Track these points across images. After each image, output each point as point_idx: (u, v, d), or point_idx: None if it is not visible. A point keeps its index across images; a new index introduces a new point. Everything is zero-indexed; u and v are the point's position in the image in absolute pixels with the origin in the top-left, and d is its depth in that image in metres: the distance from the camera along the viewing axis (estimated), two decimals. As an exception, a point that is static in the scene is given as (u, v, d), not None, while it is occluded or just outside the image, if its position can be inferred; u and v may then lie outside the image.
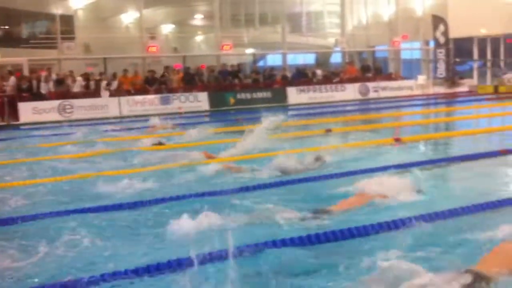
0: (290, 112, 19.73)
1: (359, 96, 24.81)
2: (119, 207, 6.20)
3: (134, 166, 8.88)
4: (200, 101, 22.31)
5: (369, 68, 27.83)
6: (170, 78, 23.72)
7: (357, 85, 25.17)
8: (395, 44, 30.22)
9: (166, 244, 4.87)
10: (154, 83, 22.71)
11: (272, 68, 27.49)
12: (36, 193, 7.13)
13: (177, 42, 35.50)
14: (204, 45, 37.64)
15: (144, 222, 5.63)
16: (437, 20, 28.63)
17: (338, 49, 32.46)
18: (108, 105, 20.93)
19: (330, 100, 23.81)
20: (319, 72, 26.61)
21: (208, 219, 5.16)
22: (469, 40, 30.25)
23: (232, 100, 22.88)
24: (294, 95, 23.95)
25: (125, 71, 23.09)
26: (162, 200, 6.36)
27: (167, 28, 35.95)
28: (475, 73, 30.54)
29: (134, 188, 7.10)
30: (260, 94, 23.38)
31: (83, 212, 5.94)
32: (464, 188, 6.82)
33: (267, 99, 23.18)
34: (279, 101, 23.12)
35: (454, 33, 28.78)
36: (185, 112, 20.46)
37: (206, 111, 21.80)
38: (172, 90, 22.68)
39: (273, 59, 35.28)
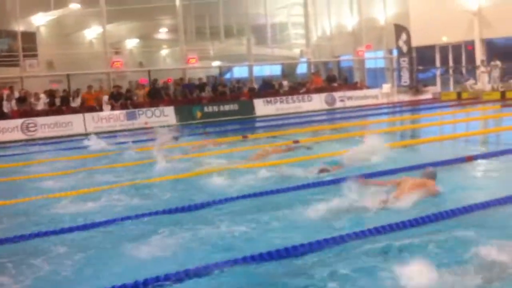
0: (257, 124, 19.71)
1: (325, 106, 24.98)
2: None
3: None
4: (167, 115, 22.12)
5: (335, 78, 28.08)
6: (136, 93, 23.49)
7: (323, 95, 25.35)
8: (359, 54, 30.57)
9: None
10: (119, 98, 22.44)
11: (239, 80, 27.52)
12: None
13: (142, 56, 35.27)
14: (170, 59, 37.49)
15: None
16: (400, 29, 29.12)
17: (303, 59, 32.68)
18: (73, 122, 20.57)
19: (297, 111, 23.91)
20: (285, 83, 26.75)
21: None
22: (431, 48, 30.82)
23: (199, 114, 22.77)
24: (261, 106, 23.98)
25: (89, 87, 22.78)
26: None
27: (131, 43, 35.69)
28: (438, 80, 31.09)
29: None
30: (227, 107, 23.34)
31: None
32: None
33: (234, 111, 23.16)
34: (246, 113, 23.14)
35: (416, 42, 29.31)
36: (152, 127, 20.25)
37: (173, 125, 21.60)
38: (138, 105, 22.45)
39: (239, 71, 35.34)
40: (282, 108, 24.18)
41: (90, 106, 21.88)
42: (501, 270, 4.03)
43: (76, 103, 21.82)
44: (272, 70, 36.04)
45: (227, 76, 38.00)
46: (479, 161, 8.98)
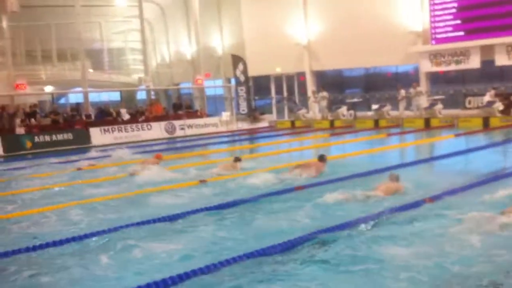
0: (93, 154, 18.80)
1: (166, 135, 24.73)
2: None
3: None
4: (-9, 146, 20.27)
5: (181, 106, 27.97)
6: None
7: (163, 124, 25.08)
8: (198, 82, 30.89)
9: None
10: None
11: (74, 108, 26.21)
12: None
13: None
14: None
15: None
16: (237, 59, 30.03)
17: (143, 86, 32.20)
18: None
19: (137, 140, 23.34)
20: (123, 110, 26.01)
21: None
22: (266, 77, 32.19)
23: (29, 144, 21.18)
24: (98, 135, 23.03)
25: None
26: None
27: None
28: (274, 109, 32.50)
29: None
30: (60, 136, 22.03)
31: None
32: (260, 227, 7.06)
33: (68, 141, 21.97)
34: (81, 143, 22.06)
35: (252, 72, 30.45)
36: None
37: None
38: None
39: (75, 98, 33.73)
40: (121, 137, 23.43)
41: None
42: None
43: None
44: (111, 96, 35.00)
45: (62, 101, 36.12)
46: (309, 189, 9.31)
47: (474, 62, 23.77)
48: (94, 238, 6.85)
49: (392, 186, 8.63)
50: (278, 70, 30.96)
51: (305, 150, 17.35)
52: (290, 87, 31.71)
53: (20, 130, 21.58)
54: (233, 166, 12.13)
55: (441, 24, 24.63)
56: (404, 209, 7.40)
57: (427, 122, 22.41)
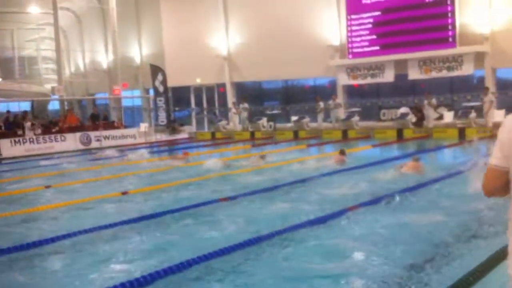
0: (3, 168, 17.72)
1: (81, 146, 23.76)
2: None
3: None
4: None
5: (98, 117, 26.96)
6: None
7: (78, 135, 24.10)
8: (115, 92, 30.02)
9: None
10: None
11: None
12: None
13: None
14: None
15: None
16: (155, 69, 29.51)
17: (55, 96, 30.92)
18: None
19: (50, 152, 22.26)
20: (28, 124, 24.48)
21: None
22: (186, 88, 31.87)
23: None
24: (8, 147, 21.76)
25: None
26: None
27: None
28: (193, 120, 32.19)
29: None
30: (-35, 148, 20.64)
31: None
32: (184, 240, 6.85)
33: (-26, 153, 20.61)
34: (-11, 155, 20.75)
35: (172, 82, 30.02)
36: None
37: None
38: None
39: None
40: (33, 149, 22.27)
41: None
42: None
43: None
44: (21, 106, 33.29)
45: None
46: (233, 201, 9.19)
47: (388, 76, 24.66)
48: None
49: (417, 165, 11.25)
50: (198, 81, 30.71)
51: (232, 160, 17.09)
52: (210, 98, 31.55)
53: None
54: (258, 160, 14.31)
55: (358, 39, 25.39)
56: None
57: (344, 133, 22.95)
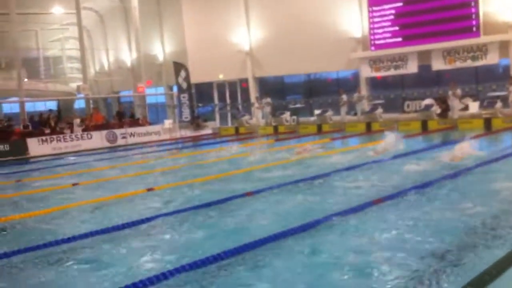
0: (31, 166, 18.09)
1: (107, 144, 24.12)
2: None
3: None
4: None
5: (124, 114, 27.35)
6: None
7: (104, 133, 24.46)
8: (139, 90, 30.35)
9: None
10: None
11: (9, 118, 25.18)
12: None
13: None
14: None
15: None
16: (178, 66, 29.71)
17: (81, 95, 31.38)
18: None
19: (76, 150, 22.66)
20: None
21: None
22: (209, 84, 32.04)
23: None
24: (36, 146, 22.18)
25: None
26: None
27: None
28: (217, 116, 32.36)
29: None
30: (-5, 148, 21.12)
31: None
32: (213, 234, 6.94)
33: (4, 152, 21.09)
34: (18, 154, 21.23)
35: (195, 79, 30.21)
36: None
37: None
38: None
39: (10, 108, 32.51)
40: (60, 147, 22.68)
41: None
42: None
43: None
44: (48, 106, 33.85)
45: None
46: (260, 194, 9.28)
47: (411, 67, 24.48)
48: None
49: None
50: (221, 77, 30.87)
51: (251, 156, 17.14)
52: (233, 94, 31.68)
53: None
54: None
55: (380, 30, 25.25)
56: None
57: (368, 126, 22.85)
